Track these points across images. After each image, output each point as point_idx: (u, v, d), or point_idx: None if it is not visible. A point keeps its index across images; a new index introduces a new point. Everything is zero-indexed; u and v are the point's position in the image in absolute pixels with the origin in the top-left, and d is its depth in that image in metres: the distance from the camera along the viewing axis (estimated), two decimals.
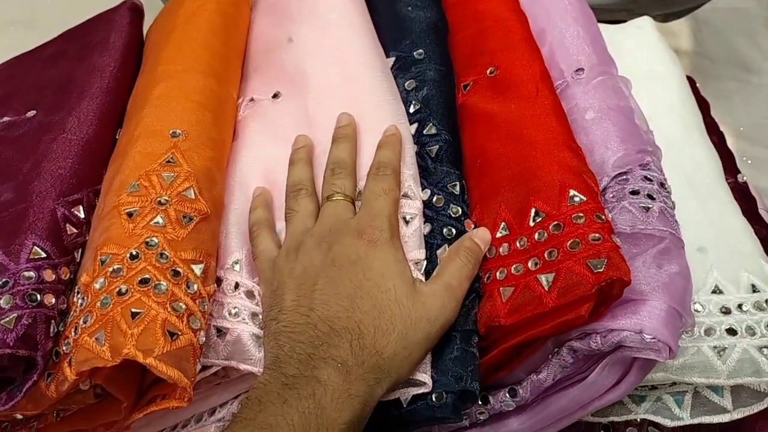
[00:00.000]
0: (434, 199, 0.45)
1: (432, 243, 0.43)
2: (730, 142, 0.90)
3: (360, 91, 0.49)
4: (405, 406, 0.40)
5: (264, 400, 0.37)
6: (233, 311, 0.42)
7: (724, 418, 0.45)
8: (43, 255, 0.42)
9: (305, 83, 0.51)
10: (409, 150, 0.46)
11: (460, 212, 0.44)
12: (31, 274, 0.41)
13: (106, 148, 0.50)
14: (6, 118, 0.53)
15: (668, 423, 0.45)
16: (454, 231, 0.44)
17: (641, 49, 0.65)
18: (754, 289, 0.46)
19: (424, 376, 0.39)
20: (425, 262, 0.43)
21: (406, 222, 0.44)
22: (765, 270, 0.47)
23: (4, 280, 0.40)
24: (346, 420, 0.37)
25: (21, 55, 0.63)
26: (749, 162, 0.87)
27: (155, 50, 0.54)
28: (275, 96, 0.52)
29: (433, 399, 0.39)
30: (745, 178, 0.62)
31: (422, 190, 0.46)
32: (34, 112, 0.53)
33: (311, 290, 0.40)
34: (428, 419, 0.41)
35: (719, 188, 0.53)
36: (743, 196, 0.60)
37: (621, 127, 0.49)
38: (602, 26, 0.63)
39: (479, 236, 0.43)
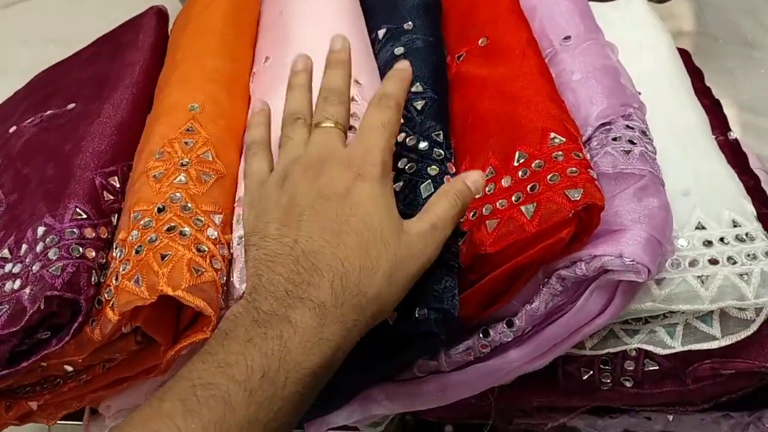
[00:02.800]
0: (420, 144, 0.49)
1: (417, 180, 0.47)
2: (734, 114, 0.93)
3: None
4: (391, 322, 0.43)
5: (230, 334, 0.37)
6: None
7: (713, 345, 0.47)
8: (84, 216, 0.47)
9: (288, 44, 0.56)
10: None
11: (443, 156, 0.48)
12: (74, 231, 0.46)
13: (138, 130, 0.56)
14: (50, 111, 0.60)
15: (660, 351, 0.48)
16: (437, 169, 0.47)
17: (631, 22, 0.68)
18: (735, 224, 0.49)
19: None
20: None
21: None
22: (745, 207, 0.50)
23: (51, 237, 0.46)
24: (312, 364, 0.36)
25: (61, 61, 0.69)
26: (754, 133, 0.89)
27: (175, 42, 0.61)
28: (266, 60, 0.57)
29: (416, 315, 0.42)
30: (735, 135, 0.65)
31: (408, 137, 0.49)
32: (74, 104, 0.59)
33: (297, 221, 0.40)
34: (414, 337, 0.44)
35: (703, 139, 0.56)
36: (733, 151, 0.63)
37: (606, 85, 0.53)
38: (595, 3, 0.67)
39: (471, 178, 0.43)
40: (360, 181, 0.41)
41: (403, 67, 0.47)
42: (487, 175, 0.48)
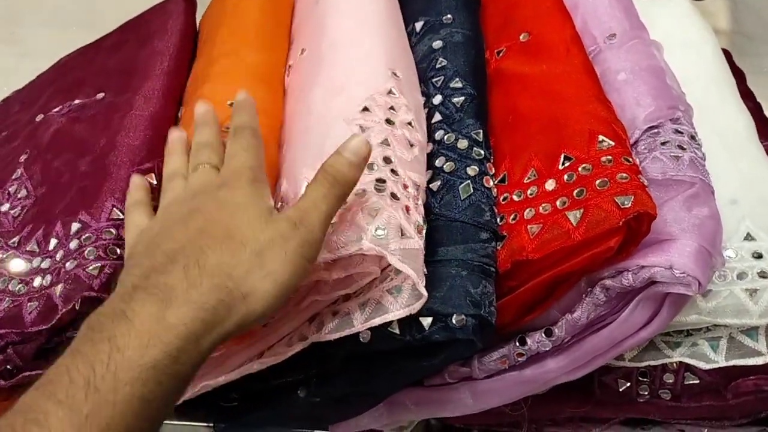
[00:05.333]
0: (458, 142, 0.47)
1: (455, 180, 0.46)
2: None
3: (373, 35, 0.52)
4: (427, 329, 0.41)
5: (64, 352, 0.33)
6: None
7: (758, 361, 0.46)
8: (121, 216, 0.46)
9: (324, 34, 0.54)
10: (414, 93, 0.49)
11: (483, 155, 0.47)
12: (111, 231, 0.45)
13: (170, 123, 0.54)
14: (77, 101, 0.58)
15: (703, 366, 0.47)
16: (477, 169, 0.46)
17: (674, 18, 0.66)
18: None
19: (423, 289, 0.40)
20: (423, 187, 0.45)
21: (411, 145, 0.45)
22: None
23: (87, 235, 0.45)
24: (152, 358, 0.32)
25: (86, 46, 0.68)
26: None
27: (210, 35, 0.59)
28: (302, 52, 0.55)
29: (453, 321, 0.41)
30: None
31: (447, 134, 0.48)
32: (103, 94, 0.57)
33: (166, 234, 0.38)
34: (449, 343, 0.42)
35: (752, 146, 0.54)
36: None
37: (652, 86, 0.51)
38: None
39: (350, 147, 0.39)
40: (227, 188, 0.40)
41: (242, 98, 0.46)
42: (528, 177, 0.46)
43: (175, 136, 0.48)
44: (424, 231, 0.43)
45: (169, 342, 0.33)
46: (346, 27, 0.53)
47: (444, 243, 0.44)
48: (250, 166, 0.41)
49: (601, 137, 0.44)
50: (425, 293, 0.40)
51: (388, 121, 0.45)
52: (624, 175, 0.41)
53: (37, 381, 0.32)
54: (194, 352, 0.34)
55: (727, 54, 0.72)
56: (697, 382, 0.48)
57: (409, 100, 0.48)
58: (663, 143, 0.47)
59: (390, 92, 0.47)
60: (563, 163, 0.44)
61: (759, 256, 0.46)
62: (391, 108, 0.46)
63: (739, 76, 0.71)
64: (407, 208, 0.41)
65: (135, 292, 0.34)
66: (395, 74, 0.48)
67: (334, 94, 0.48)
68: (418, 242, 0.41)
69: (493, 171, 0.48)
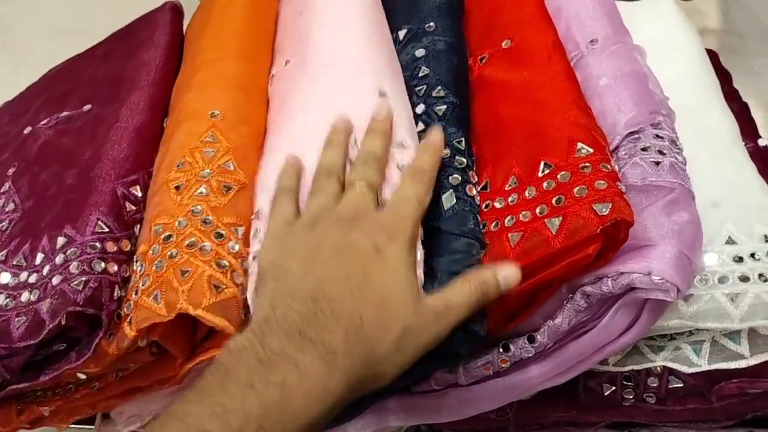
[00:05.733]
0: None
1: (438, 191, 0.46)
2: (760, 116, 0.90)
3: (358, 51, 0.52)
4: None
5: (231, 374, 0.35)
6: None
7: (741, 364, 0.46)
8: (106, 229, 0.46)
9: (308, 47, 0.54)
10: (404, 104, 0.49)
11: (465, 164, 0.47)
12: (96, 244, 0.45)
13: (157, 134, 0.55)
14: (65, 113, 0.59)
15: (686, 369, 0.47)
16: (459, 178, 0.46)
17: (659, 22, 0.66)
18: (767, 239, 0.47)
19: None
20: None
21: (399, 168, 0.46)
22: None
23: (72, 249, 0.45)
24: (311, 418, 0.35)
25: (75, 57, 0.69)
26: None
27: (193, 43, 0.59)
28: (286, 64, 0.56)
29: None
30: (765, 142, 0.63)
31: None
32: (90, 105, 0.58)
33: (322, 264, 0.39)
34: (438, 353, 0.42)
35: (734, 148, 0.54)
36: (763, 158, 0.61)
37: (634, 90, 0.51)
38: (622, 2, 0.65)
39: (503, 273, 0.41)
40: (390, 242, 0.40)
41: (437, 138, 0.46)
42: (509, 185, 0.46)
43: (340, 126, 0.47)
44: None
45: (326, 406, 0.35)
46: (332, 40, 0.53)
47: (429, 254, 0.44)
48: (416, 221, 0.42)
49: (579, 144, 0.44)
50: None
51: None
52: (602, 182, 0.42)
53: (203, 397, 0.34)
54: (334, 411, 0.36)
55: (714, 55, 0.73)
56: (681, 385, 0.49)
57: (398, 113, 0.48)
58: (643, 149, 0.47)
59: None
60: (543, 171, 0.45)
61: (740, 260, 0.46)
62: None
63: (725, 77, 0.71)
64: None
65: (302, 340, 0.36)
66: (383, 94, 0.49)
67: (320, 114, 0.49)
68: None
69: (476, 179, 0.48)
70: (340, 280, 0.38)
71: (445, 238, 0.44)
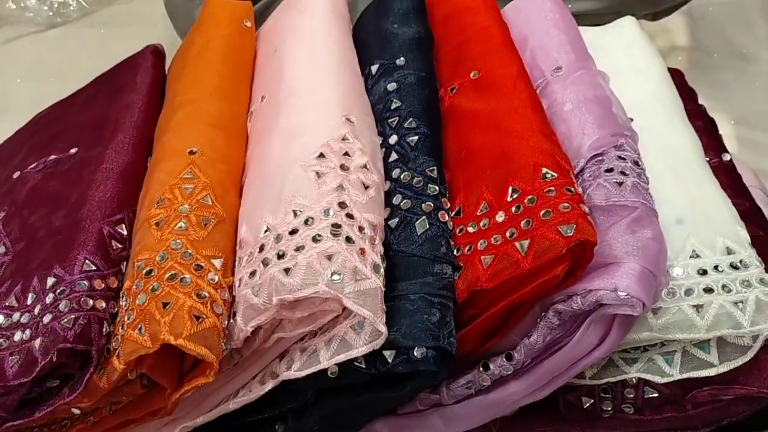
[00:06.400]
0: (414, 180, 0.50)
1: (411, 217, 0.48)
2: (729, 130, 0.93)
3: (328, 82, 0.54)
4: (390, 362, 0.43)
5: None
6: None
7: (711, 372, 0.48)
8: (94, 267, 0.48)
9: (282, 80, 0.57)
10: (369, 136, 0.51)
11: (438, 191, 0.49)
12: (84, 283, 0.47)
13: (140, 174, 0.56)
14: (53, 156, 0.61)
15: (659, 380, 0.49)
16: (432, 205, 0.48)
17: (623, 46, 0.69)
18: (729, 252, 0.49)
19: (383, 327, 0.42)
20: (380, 225, 0.47)
21: (366, 187, 0.48)
22: (739, 234, 0.51)
23: (61, 288, 0.47)
24: None
25: (60, 101, 0.71)
26: (750, 147, 0.90)
27: (173, 84, 0.62)
28: (262, 100, 0.58)
29: (415, 354, 0.43)
30: (729, 157, 0.65)
31: (403, 173, 0.50)
32: (76, 149, 0.60)
33: None
34: (414, 374, 0.44)
35: (697, 166, 0.56)
36: (727, 172, 0.63)
37: (597, 115, 0.54)
38: (587, 28, 0.67)
39: None
40: None
41: None
42: (481, 210, 0.49)
43: None
44: (383, 269, 0.45)
45: None
46: (303, 74, 0.56)
47: (403, 278, 0.46)
48: None
49: (544, 170, 0.46)
50: (384, 330, 0.42)
51: (343, 167, 0.48)
52: (566, 204, 0.44)
53: None
54: None
55: (679, 74, 0.75)
56: (657, 395, 0.50)
57: (364, 143, 0.50)
58: (607, 170, 0.49)
59: (344, 138, 0.49)
60: (511, 195, 0.47)
61: (704, 273, 0.48)
62: (346, 153, 0.48)
63: (690, 95, 0.73)
64: (362, 251, 0.44)
65: None
66: (349, 120, 0.51)
67: (291, 140, 0.51)
68: (375, 282, 0.43)
69: (449, 205, 0.50)
70: None
71: (418, 262, 0.46)
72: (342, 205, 0.45)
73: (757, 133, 0.92)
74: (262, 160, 0.52)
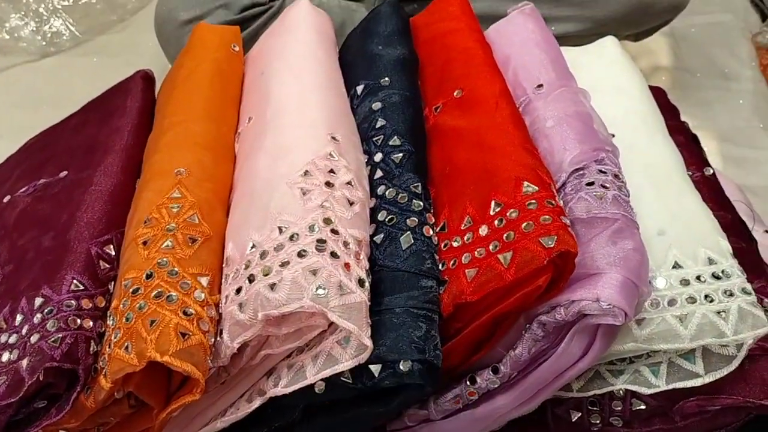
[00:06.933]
0: (399, 196, 0.50)
1: (396, 232, 0.49)
2: (714, 147, 0.95)
3: (314, 102, 0.55)
4: (377, 376, 0.43)
5: None
6: None
7: (697, 383, 0.48)
8: (81, 287, 0.49)
9: (268, 101, 0.58)
10: (354, 153, 0.52)
11: (422, 207, 0.50)
12: (72, 302, 0.47)
13: (129, 196, 0.57)
14: (43, 180, 0.61)
15: (645, 391, 0.49)
16: (416, 220, 0.49)
17: (604, 65, 0.70)
18: (711, 262, 0.50)
19: (368, 341, 0.43)
20: (365, 241, 0.48)
21: (351, 204, 0.48)
22: (721, 244, 0.51)
23: (49, 308, 0.47)
24: None
25: (51, 127, 0.72)
26: (735, 163, 0.91)
27: (162, 107, 0.63)
28: (249, 121, 0.59)
29: (401, 367, 0.43)
30: (711, 171, 0.66)
31: (387, 189, 0.51)
32: (66, 172, 0.60)
33: None
34: (401, 388, 0.45)
35: (678, 178, 0.57)
36: (710, 187, 0.64)
37: (578, 130, 0.55)
38: (569, 48, 0.69)
39: None
40: None
41: None
42: (465, 224, 0.49)
43: None
44: (368, 283, 0.45)
45: None
46: (289, 95, 0.57)
47: (388, 292, 0.47)
48: None
49: (526, 183, 0.47)
50: (370, 344, 0.43)
51: (328, 184, 0.48)
52: (547, 217, 0.44)
53: None
54: None
55: (662, 92, 0.77)
56: (644, 407, 0.51)
57: (349, 161, 0.51)
58: (588, 184, 0.50)
59: (330, 156, 0.50)
60: (494, 209, 0.48)
61: (686, 283, 0.49)
62: (331, 171, 0.49)
63: (671, 112, 0.75)
64: (347, 265, 0.44)
65: None
66: (335, 138, 0.52)
67: (277, 158, 0.52)
68: (360, 296, 0.43)
69: (433, 221, 0.51)
70: None
71: (403, 276, 0.47)
72: (327, 221, 0.46)
73: (741, 150, 0.93)
74: (249, 179, 0.53)
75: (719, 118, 0.99)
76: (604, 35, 0.76)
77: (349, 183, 0.49)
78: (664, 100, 0.76)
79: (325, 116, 0.54)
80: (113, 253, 0.51)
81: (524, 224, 0.45)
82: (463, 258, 0.47)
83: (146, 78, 0.69)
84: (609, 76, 0.68)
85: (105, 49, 1.14)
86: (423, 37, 0.67)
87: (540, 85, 0.59)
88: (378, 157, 0.54)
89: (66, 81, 1.08)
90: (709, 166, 0.68)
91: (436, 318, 0.46)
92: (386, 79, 0.59)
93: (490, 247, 0.46)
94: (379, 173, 0.53)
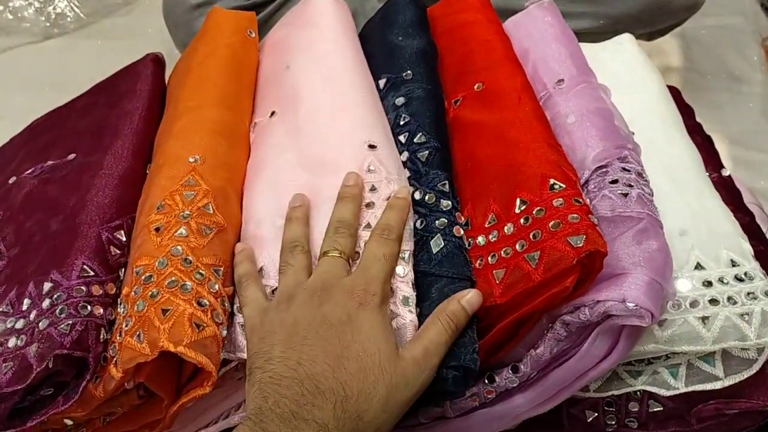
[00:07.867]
0: (426, 197, 0.49)
1: (427, 235, 0.48)
2: (724, 149, 0.94)
3: (348, 105, 0.55)
4: None
5: None
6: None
7: (716, 385, 0.48)
8: (92, 273, 0.47)
9: (299, 101, 0.57)
10: (393, 154, 0.52)
11: (450, 206, 0.49)
12: (82, 288, 0.46)
13: (140, 180, 0.56)
14: (50, 162, 0.60)
15: (664, 393, 0.48)
16: (446, 221, 0.48)
17: (622, 62, 0.69)
18: (734, 264, 0.49)
19: None
20: (409, 252, 0.47)
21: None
22: (743, 247, 0.51)
23: (58, 294, 0.46)
24: None
25: (57, 108, 0.70)
26: (745, 167, 0.91)
27: (175, 92, 0.61)
28: (272, 114, 0.58)
29: (443, 372, 0.43)
30: (728, 172, 0.65)
31: (415, 190, 0.50)
32: (74, 155, 0.59)
33: (300, 344, 0.41)
34: (434, 393, 0.44)
35: (698, 178, 0.57)
36: (727, 188, 0.63)
37: (600, 127, 0.54)
38: (586, 45, 0.68)
39: (467, 299, 0.44)
40: (362, 309, 0.43)
41: (402, 195, 0.49)
42: (489, 222, 0.48)
43: (297, 202, 0.50)
44: (412, 301, 0.46)
45: None
46: (321, 92, 0.56)
47: (423, 299, 0.46)
48: (386, 280, 0.44)
49: (552, 180, 0.46)
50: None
51: (368, 205, 0.48)
52: (575, 215, 0.43)
53: None
54: None
55: (676, 91, 0.76)
56: (661, 409, 0.50)
57: (388, 166, 0.51)
58: (612, 181, 0.49)
59: (369, 169, 0.50)
60: (519, 207, 0.47)
61: (709, 284, 0.48)
62: (372, 188, 0.49)
63: (687, 112, 0.74)
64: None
65: (296, 420, 0.38)
66: (372, 146, 0.51)
67: (316, 174, 0.52)
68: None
69: (463, 220, 0.50)
70: (319, 357, 0.40)
71: (436, 281, 0.46)
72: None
73: (751, 153, 0.93)
74: (269, 178, 0.53)
75: (729, 120, 0.98)
76: (619, 33, 0.75)
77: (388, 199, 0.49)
78: (679, 100, 0.75)
79: (359, 123, 0.53)
80: (124, 239, 0.50)
81: (551, 223, 0.44)
82: (489, 258, 0.46)
83: (157, 61, 0.67)
84: (627, 74, 0.67)
85: (110, 32, 1.12)
86: (441, 28, 0.65)
87: (561, 80, 0.58)
88: (404, 156, 0.53)
89: (69, 64, 1.07)
90: (724, 167, 0.68)
91: (473, 320, 0.45)
92: (408, 72, 0.57)
93: (517, 247, 0.45)
94: (406, 173, 0.52)
